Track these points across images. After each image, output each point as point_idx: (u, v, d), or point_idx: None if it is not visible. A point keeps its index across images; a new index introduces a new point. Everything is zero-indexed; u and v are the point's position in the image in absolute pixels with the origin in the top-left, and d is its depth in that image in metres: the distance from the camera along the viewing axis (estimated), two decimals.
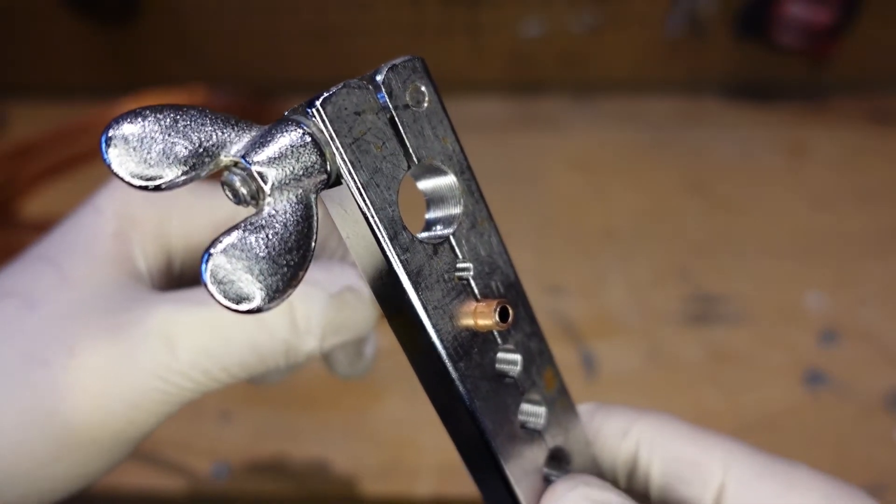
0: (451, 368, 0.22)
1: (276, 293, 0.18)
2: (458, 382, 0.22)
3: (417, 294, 0.21)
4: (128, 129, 0.18)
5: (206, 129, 0.19)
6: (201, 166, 0.18)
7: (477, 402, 0.22)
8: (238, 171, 0.19)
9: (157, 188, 0.18)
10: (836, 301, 0.58)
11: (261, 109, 0.76)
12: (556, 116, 0.78)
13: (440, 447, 0.50)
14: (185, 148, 0.18)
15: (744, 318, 0.58)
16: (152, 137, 0.18)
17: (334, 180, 0.20)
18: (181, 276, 0.29)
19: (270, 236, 0.18)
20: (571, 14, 0.76)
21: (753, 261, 0.62)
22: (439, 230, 0.23)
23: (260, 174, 0.18)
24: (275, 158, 0.19)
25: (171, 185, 0.18)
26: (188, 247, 0.29)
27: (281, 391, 0.53)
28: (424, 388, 0.23)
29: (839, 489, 0.23)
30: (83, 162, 0.72)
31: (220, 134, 0.19)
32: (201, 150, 0.18)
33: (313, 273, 0.26)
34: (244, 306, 0.18)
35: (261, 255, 0.18)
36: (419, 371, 0.23)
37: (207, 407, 0.53)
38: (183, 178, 0.18)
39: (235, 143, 0.19)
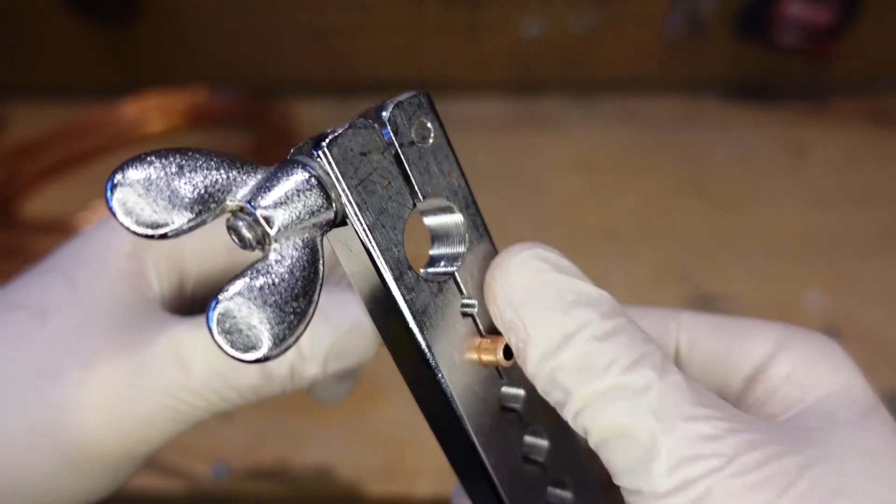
0: (456, 405, 0.22)
1: (283, 341, 0.18)
2: (462, 419, 0.22)
3: (422, 333, 0.21)
4: (133, 175, 0.18)
5: (212, 174, 0.18)
6: (207, 212, 0.18)
7: (480, 437, 0.22)
8: (244, 216, 0.19)
9: (164, 236, 0.18)
10: (836, 301, 0.58)
11: (261, 109, 0.77)
12: (556, 116, 0.78)
13: (440, 449, 0.50)
14: (191, 194, 0.18)
15: None
16: (158, 185, 0.18)
17: (340, 220, 0.20)
18: (193, 300, 0.29)
19: (277, 283, 0.18)
20: (571, 14, 0.76)
21: (753, 261, 0.62)
22: (444, 267, 0.23)
23: (266, 219, 0.18)
24: (280, 202, 0.18)
25: (178, 233, 0.18)
26: (202, 271, 0.29)
27: None
28: (427, 421, 0.23)
29: (793, 331, 0.23)
30: (83, 162, 0.72)
31: (225, 178, 0.19)
32: (207, 195, 0.18)
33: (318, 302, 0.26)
34: (251, 356, 0.18)
35: (268, 303, 0.18)
36: (423, 405, 0.23)
37: None
38: (189, 224, 0.18)
39: (241, 188, 0.19)
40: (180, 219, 0.18)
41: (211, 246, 0.29)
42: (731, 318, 0.25)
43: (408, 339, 0.21)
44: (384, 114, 0.20)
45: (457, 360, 0.22)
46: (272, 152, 0.69)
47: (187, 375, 0.24)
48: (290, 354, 0.25)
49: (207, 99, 0.77)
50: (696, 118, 0.77)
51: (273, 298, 0.18)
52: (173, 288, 0.28)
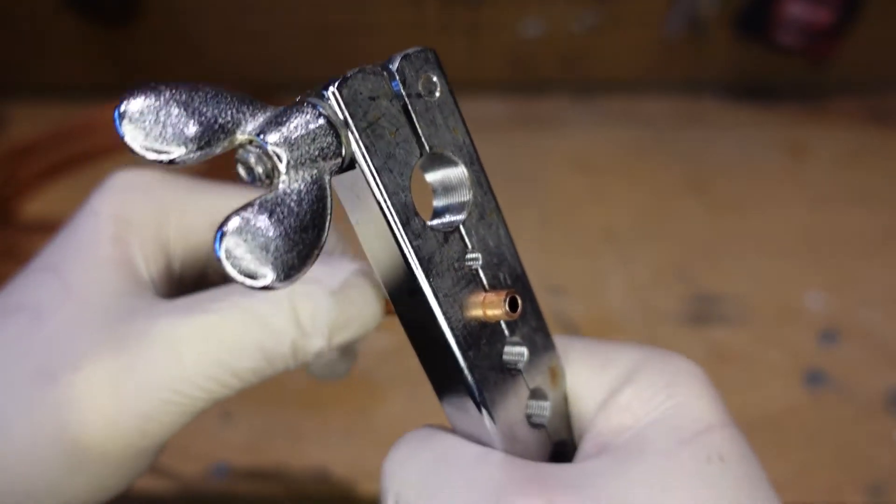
0: (460, 358, 0.22)
1: (292, 270, 0.18)
2: (466, 372, 0.22)
3: (429, 281, 0.21)
4: (143, 102, 0.18)
5: (221, 106, 0.19)
6: (216, 142, 0.18)
7: (486, 393, 0.22)
8: (253, 149, 0.19)
9: (171, 162, 0.18)
10: (836, 301, 0.58)
11: None
12: (556, 116, 0.78)
13: None
14: (200, 123, 0.18)
15: (744, 318, 0.58)
16: (167, 112, 0.18)
17: (347, 164, 0.20)
18: (181, 278, 0.29)
19: (286, 214, 0.18)
20: (571, 14, 0.76)
21: (753, 261, 0.62)
22: (449, 218, 0.23)
23: (276, 152, 0.19)
24: (291, 138, 0.19)
25: (185, 161, 0.18)
26: (187, 247, 0.29)
27: (282, 392, 0.53)
28: (431, 380, 0.23)
29: (651, 356, 0.24)
30: (83, 162, 0.72)
31: (234, 112, 0.19)
32: (216, 126, 0.18)
33: (315, 271, 0.26)
34: (259, 282, 0.18)
35: (277, 231, 0.18)
36: (426, 363, 0.23)
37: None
38: (197, 153, 0.18)
39: (250, 122, 0.19)
40: (189, 147, 0.18)
41: (195, 225, 0.29)
42: (599, 342, 0.25)
43: (414, 290, 0.21)
44: (392, 65, 0.21)
45: (462, 312, 0.22)
46: None
47: (183, 367, 0.24)
48: (290, 332, 0.25)
49: None
50: (696, 118, 0.77)
51: (281, 228, 0.18)
52: (161, 270, 0.28)
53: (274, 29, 0.79)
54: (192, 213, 0.28)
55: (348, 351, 0.31)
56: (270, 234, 0.18)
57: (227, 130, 0.19)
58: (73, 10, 0.77)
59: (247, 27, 0.80)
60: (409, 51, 0.21)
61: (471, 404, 0.22)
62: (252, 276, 0.17)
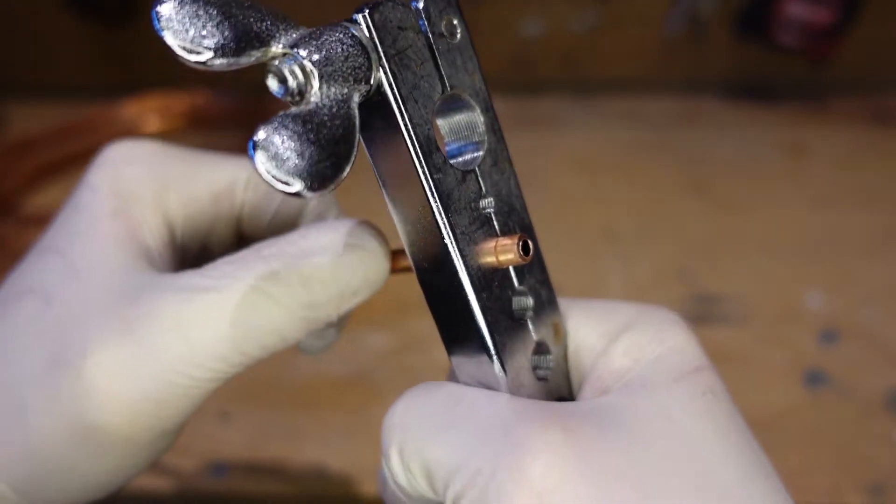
0: (473, 299, 0.22)
1: (325, 181, 0.18)
2: (479, 313, 0.22)
3: (447, 217, 0.21)
4: (181, 2, 0.18)
5: (258, 15, 0.19)
6: (250, 49, 0.19)
7: (496, 335, 0.22)
8: (288, 61, 0.19)
9: (204, 64, 0.18)
10: (836, 301, 0.58)
11: (261, 112, 0.76)
12: (556, 116, 0.78)
13: None
14: (236, 27, 0.19)
15: (744, 318, 0.58)
16: (206, 11, 0.18)
17: (373, 93, 0.20)
18: (184, 249, 0.29)
19: (318, 125, 0.18)
20: (571, 14, 0.76)
21: (753, 261, 0.62)
22: (468, 156, 0.23)
23: (310, 67, 0.19)
24: (325, 54, 0.19)
25: (218, 65, 0.19)
26: (188, 218, 0.28)
27: (281, 391, 0.53)
28: (440, 329, 0.23)
29: (643, 311, 0.25)
30: (82, 162, 0.72)
31: (269, 24, 0.19)
32: (252, 33, 0.19)
33: (319, 239, 0.25)
34: (291, 188, 0.18)
35: (310, 139, 0.18)
36: (437, 309, 0.23)
37: (206, 407, 0.52)
38: (230, 58, 0.19)
39: (284, 37, 0.19)
40: (223, 50, 0.19)
41: (195, 193, 0.28)
42: (597, 301, 0.27)
43: (431, 225, 0.21)
44: (418, 3, 0.21)
45: (476, 253, 0.22)
46: None
47: (189, 346, 0.24)
48: (299, 306, 0.24)
49: (207, 101, 0.77)
50: (696, 118, 0.77)
51: (315, 136, 0.18)
52: (164, 243, 0.28)
53: None
54: (192, 184, 0.28)
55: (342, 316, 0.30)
56: (304, 141, 0.18)
57: (262, 40, 0.19)
58: (73, 10, 0.77)
59: None
60: None
61: (481, 349, 0.22)
62: (284, 182, 0.17)
